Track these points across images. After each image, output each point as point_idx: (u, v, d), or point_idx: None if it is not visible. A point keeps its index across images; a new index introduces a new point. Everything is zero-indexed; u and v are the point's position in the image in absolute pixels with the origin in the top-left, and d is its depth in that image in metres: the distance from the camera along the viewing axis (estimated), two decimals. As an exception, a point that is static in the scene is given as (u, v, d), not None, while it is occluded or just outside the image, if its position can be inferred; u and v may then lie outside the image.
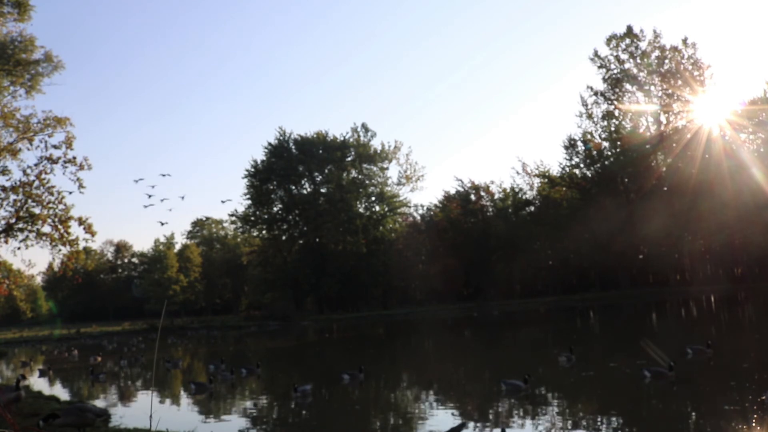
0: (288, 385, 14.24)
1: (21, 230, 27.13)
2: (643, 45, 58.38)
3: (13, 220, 27.09)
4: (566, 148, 62.23)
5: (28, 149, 27.53)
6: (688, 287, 54.78)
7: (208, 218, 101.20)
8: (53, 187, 27.11)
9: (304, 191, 68.67)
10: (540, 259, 67.27)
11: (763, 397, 9.40)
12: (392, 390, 14.93)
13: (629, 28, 58.57)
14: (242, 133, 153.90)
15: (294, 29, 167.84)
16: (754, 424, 8.27)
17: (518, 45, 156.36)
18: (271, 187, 67.86)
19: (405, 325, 44.09)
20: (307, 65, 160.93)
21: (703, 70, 57.32)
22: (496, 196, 71.37)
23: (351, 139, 68.22)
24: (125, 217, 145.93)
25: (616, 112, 60.05)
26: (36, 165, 26.92)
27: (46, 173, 26.80)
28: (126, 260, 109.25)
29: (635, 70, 58.95)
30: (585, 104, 60.75)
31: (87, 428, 8.90)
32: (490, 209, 71.30)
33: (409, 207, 72.45)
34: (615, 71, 59.42)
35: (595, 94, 60.31)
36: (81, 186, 26.72)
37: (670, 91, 57.62)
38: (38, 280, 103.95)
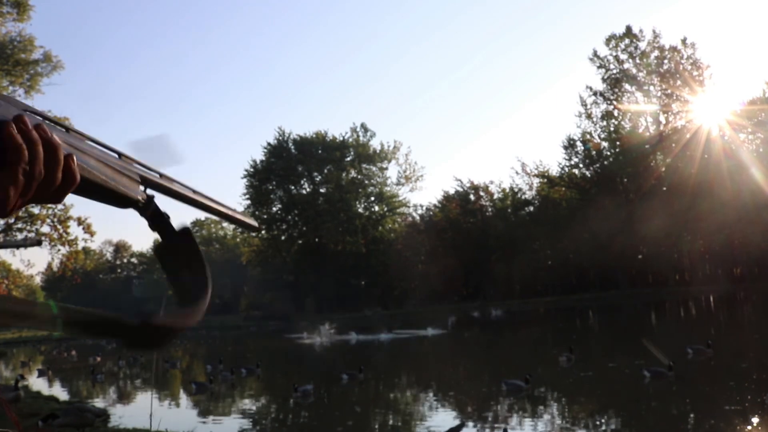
0: (288, 385, 14.23)
1: (20, 230, 27.14)
2: (642, 45, 58.44)
3: (12, 220, 27.08)
4: (565, 148, 62.29)
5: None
6: (687, 287, 54.75)
7: (207, 218, 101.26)
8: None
9: (304, 191, 68.68)
10: (539, 259, 67.22)
11: (766, 397, 9.40)
12: (392, 390, 14.92)
13: (628, 28, 58.62)
14: (242, 133, 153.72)
15: (294, 29, 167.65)
16: (754, 424, 8.26)
17: (518, 45, 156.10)
18: (271, 187, 67.88)
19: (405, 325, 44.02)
20: (307, 65, 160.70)
21: (703, 70, 57.36)
22: (496, 196, 71.32)
23: (350, 139, 68.27)
24: (125, 217, 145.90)
25: (616, 112, 60.08)
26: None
27: (45, 173, 26.74)
28: (125, 260, 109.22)
29: (634, 70, 59.00)
30: (584, 104, 60.80)
31: (86, 428, 8.89)
32: (490, 209, 71.26)
33: (409, 207, 72.53)
34: (614, 71, 59.46)
35: (595, 94, 60.35)
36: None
37: (669, 91, 57.65)
38: (37, 280, 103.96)
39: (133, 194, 0.67)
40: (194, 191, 0.78)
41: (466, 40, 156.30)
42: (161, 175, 0.74)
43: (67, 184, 0.56)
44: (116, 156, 0.68)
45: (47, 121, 0.57)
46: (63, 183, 0.56)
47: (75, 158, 0.57)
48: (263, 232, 69.85)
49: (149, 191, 0.72)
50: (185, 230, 0.73)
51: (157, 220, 0.72)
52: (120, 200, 0.67)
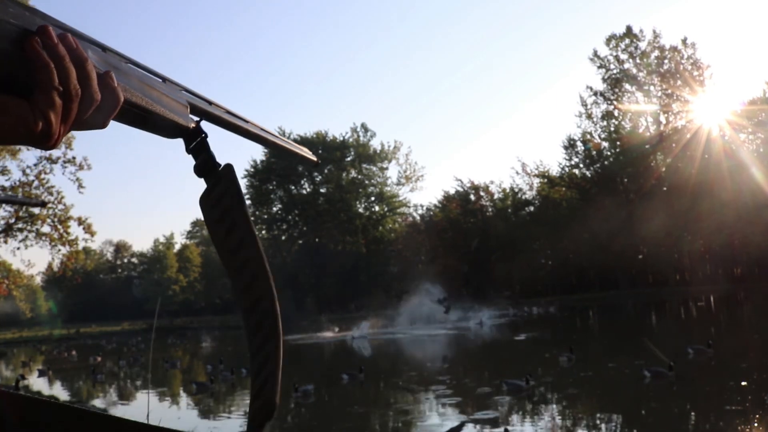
0: (288, 385, 14.24)
1: (20, 230, 27.20)
2: (642, 45, 58.47)
3: (12, 220, 27.12)
4: (566, 148, 62.35)
5: (28, 149, 27.55)
6: (687, 287, 54.76)
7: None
8: (53, 187, 27.20)
9: (304, 191, 68.76)
10: (539, 259, 67.27)
11: (766, 397, 9.40)
12: (392, 390, 14.93)
13: (629, 28, 58.65)
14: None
15: (294, 30, 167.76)
16: (754, 424, 8.27)
17: (518, 45, 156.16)
18: (271, 187, 67.97)
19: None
20: (308, 65, 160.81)
21: (703, 70, 57.40)
22: (496, 196, 71.34)
23: (350, 139, 68.34)
24: (125, 218, 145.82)
25: (616, 112, 60.12)
26: (35, 165, 26.99)
27: (45, 173, 26.87)
28: (126, 260, 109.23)
29: (635, 70, 59.02)
30: (584, 104, 60.85)
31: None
32: (490, 209, 71.28)
33: (409, 207, 72.59)
34: (614, 71, 59.49)
35: (595, 94, 60.40)
36: (80, 186, 26.79)
37: (669, 91, 57.67)
38: (38, 280, 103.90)
39: (182, 120, 0.60)
40: (247, 121, 0.69)
41: (466, 40, 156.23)
42: (211, 103, 0.65)
43: (109, 105, 0.50)
44: (160, 80, 0.60)
45: (81, 40, 0.51)
46: (105, 103, 0.49)
47: (114, 77, 0.51)
48: (263, 232, 69.98)
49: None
50: (228, 169, 0.61)
51: (203, 154, 0.61)
52: (168, 128, 0.58)
